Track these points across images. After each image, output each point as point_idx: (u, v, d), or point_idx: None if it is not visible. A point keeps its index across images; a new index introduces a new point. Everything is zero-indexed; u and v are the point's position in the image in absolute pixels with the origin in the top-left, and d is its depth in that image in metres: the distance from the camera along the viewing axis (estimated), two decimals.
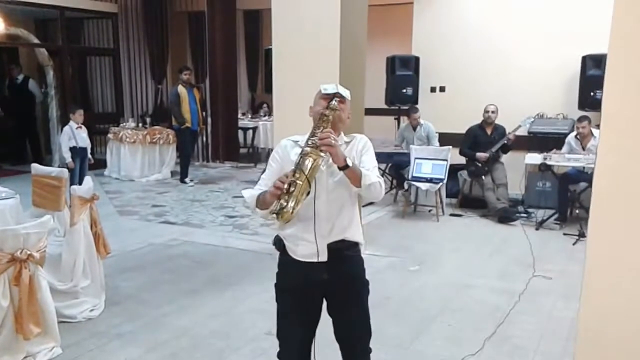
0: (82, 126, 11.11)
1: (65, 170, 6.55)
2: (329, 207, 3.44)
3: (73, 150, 10.97)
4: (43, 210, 6.12)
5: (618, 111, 2.27)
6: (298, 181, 3.20)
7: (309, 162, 3.21)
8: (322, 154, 3.22)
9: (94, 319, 5.81)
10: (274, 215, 3.29)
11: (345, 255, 3.55)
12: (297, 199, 3.22)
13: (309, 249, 3.47)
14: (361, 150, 3.56)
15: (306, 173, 3.20)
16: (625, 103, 2.28)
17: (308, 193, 3.27)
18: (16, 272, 4.60)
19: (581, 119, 9.66)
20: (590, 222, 2.31)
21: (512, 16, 11.52)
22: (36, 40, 14.74)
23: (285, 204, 3.22)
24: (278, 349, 3.76)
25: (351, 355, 3.78)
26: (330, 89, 3.45)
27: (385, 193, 11.38)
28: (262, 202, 3.45)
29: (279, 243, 3.60)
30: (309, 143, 3.26)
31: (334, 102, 3.37)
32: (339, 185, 3.43)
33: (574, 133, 9.90)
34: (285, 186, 3.20)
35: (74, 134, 10.97)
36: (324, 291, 3.59)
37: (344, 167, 3.27)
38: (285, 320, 3.69)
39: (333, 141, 3.20)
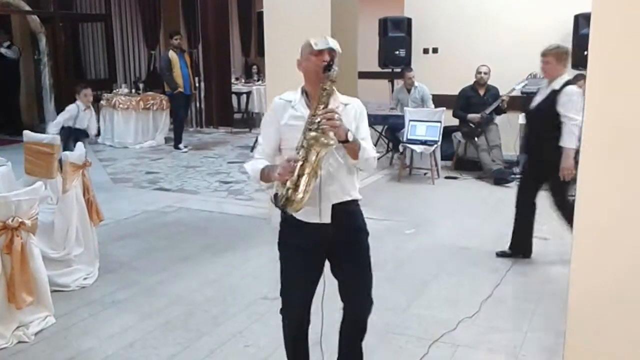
0: (91, 107, 9.58)
1: (58, 137, 6.49)
2: (330, 172, 3.45)
3: (67, 129, 9.19)
4: (35, 178, 6.06)
5: (604, 70, 2.23)
6: (305, 173, 3.21)
7: (314, 155, 3.20)
8: (330, 140, 3.20)
9: (87, 287, 5.79)
10: (283, 204, 3.30)
11: (348, 209, 3.58)
12: (305, 188, 3.23)
13: (311, 212, 3.46)
14: (358, 118, 3.56)
15: (313, 164, 3.21)
16: (610, 62, 2.25)
17: (316, 179, 3.29)
18: (8, 240, 4.57)
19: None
20: (579, 180, 2.29)
21: None
22: (28, 8, 14.59)
23: (293, 195, 3.23)
24: (280, 306, 3.75)
25: (355, 310, 3.79)
26: (321, 43, 3.38)
27: (381, 156, 11.42)
28: (266, 177, 3.46)
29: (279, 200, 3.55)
30: (312, 125, 3.23)
31: (334, 71, 3.31)
32: (338, 153, 3.44)
33: None
34: (294, 178, 3.21)
35: (78, 116, 9.30)
36: (328, 247, 3.59)
37: (345, 141, 3.28)
38: (288, 277, 3.70)
39: (338, 122, 3.20)
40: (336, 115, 3.20)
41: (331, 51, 3.38)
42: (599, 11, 2.35)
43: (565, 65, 6.32)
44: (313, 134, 3.18)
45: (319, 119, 3.19)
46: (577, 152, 5.87)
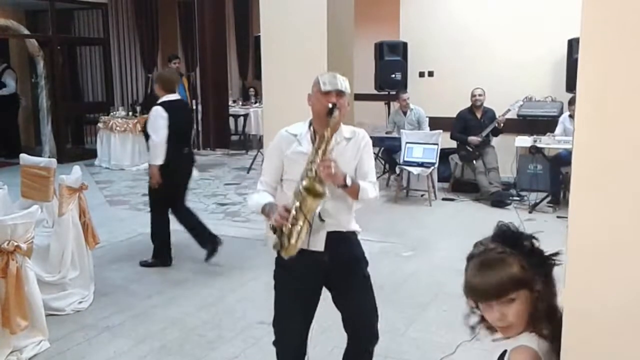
0: None
1: (54, 160, 6.46)
2: (329, 208, 3.47)
3: None
4: (32, 201, 6.06)
5: (592, 91, 2.23)
6: (299, 222, 3.27)
7: (307, 205, 3.25)
8: (324, 189, 3.25)
9: (82, 311, 5.77)
10: (277, 250, 3.39)
11: (343, 237, 3.60)
12: (298, 236, 3.29)
13: (305, 240, 3.44)
14: (361, 150, 3.60)
15: (306, 215, 3.27)
16: (599, 84, 2.25)
17: (309, 227, 3.32)
18: (3, 264, 4.55)
19: (572, 100, 9.64)
20: (571, 201, 2.28)
21: (499, 0, 11.53)
22: (26, 31, 14.64)
23: (286, 242, 3.30)
24: (274, 338, 3.75)
25: (361, 343, 3.80)
26: (330, 84, 3.42)
27: (378, 177, 11.40)
28: (266, 215, 3.51)
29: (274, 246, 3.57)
30: (308, 173, 3.29)
31: (334, 117, 3.34)
32: (336, 196, 3.47)
33: (567, 113, 9.88)
34: (288, 227, 3.26)
35: None
36: (325, 276, 3.61)
37: (344, 186, 3.33)
38: (283, 309, 3.70)
39: (333, 170, 3.24)
40: (332, 164, 3.24)
41: (339, 92, 3.41)
42: (588, 35, 2.35)
43: (162, 88, 6.87)
44: (306, 183, 3.21)
45: (315, 167, 3.23)
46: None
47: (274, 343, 3.76)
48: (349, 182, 3.33)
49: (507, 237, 2.37)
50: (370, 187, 3.52)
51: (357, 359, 3.87)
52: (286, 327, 3.69)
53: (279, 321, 3.71)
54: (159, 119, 6.64)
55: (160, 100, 6.80)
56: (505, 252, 2.27)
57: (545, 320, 2.27)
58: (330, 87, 3.40)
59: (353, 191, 3.42)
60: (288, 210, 3.28)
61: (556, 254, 2.43)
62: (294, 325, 3.66)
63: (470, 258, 2.36)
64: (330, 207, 3.46)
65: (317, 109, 3.45)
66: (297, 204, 3.25)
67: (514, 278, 2.22)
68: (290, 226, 3.25)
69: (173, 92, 6.88)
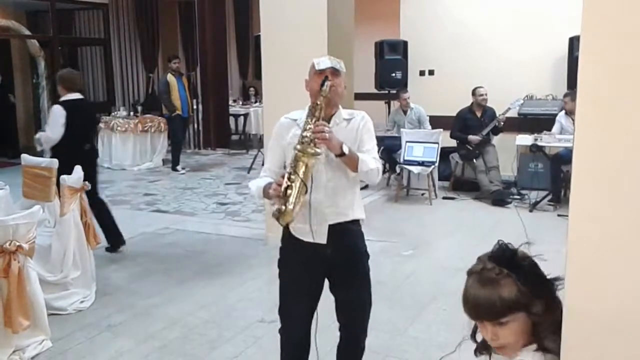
0: None
1: (55, 160, 6.47)
2: (327, 191, 3.49)
3: None
4: (33, 202, 6.07)
5: (593, 86, 2.24)
6: (294, 184, 3.23)
7: (302, 165, 3.23)
8: (317, 149, 3.24)
9: (84, 311, 5.76)
10: (277, 217, 3.32)
11: (346, 229, 3.60)
12: (295, 200, 3.24)
13: (305, 230, 3.50)
14: (361, 129, 3.60)
15: (301, 176, 3.23)
16: (599, 79, 2.25)
17: (306, 191, 3.29)
18: (5, 264, 4.55)
19: (566, 95, 9.69)
20: (571, 199, 2.28)
21: None
22: (27, 32, 14.66)
23: (283, 207, 3.24)
24: (280, 325, 3.77)
25: (350, 333, 3.82)
26: (323, 63, 3.45)
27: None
28: (266, 195, 3.50)
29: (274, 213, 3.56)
30: (303, 139, 3.28)
31: (325, 86, 3.36)
32: (336, 169, 3.47)
33: (564, 111, 9.90)
34: (282, 189, 3.23)
35: None
36: (327, 267, 3.62)
37: (341, 155, 3.31)
38: (287, 296, 3.72)
39: (327, 134, 3.24)
40: (326, 129, 3.24)
41: (334, 71, 3.44)
42: (589, 34, 2.36)
43: (63, 87, 7.18)
44: (299, 146, 3.21)
45: (309, 133, 3.23)
46: None
47: (280, 331, 3.79)
48: (345, 149, 3.32)
49: (505, 258, 2.31)
50: (370, 159, 3.49)
51: (350, 354, 3.89)
52: (289, 316, 3.72)
53: (283, 310, 3.74)
54: (56, 117, 6.96)
55: (60, 99, 7.13)
56: (501, 273, 2.23)
57: (550, 335, 2.26)
58: (324, 66, 3.43)
59: (351, 161, 3.40)
60: (284, 176, 3.29)
61: (557, 279, 2.40)
62: (297, 314, 3.69)
63: (470, 273, 2.33)
64: (330, 188, 3.48)
65: (314, 89, 3.46)
66: (292, 167, 3.26)
67: (507, 301, 2.18)
68: (284, 190, 3.24)
69: (74, 91, 7.18)
